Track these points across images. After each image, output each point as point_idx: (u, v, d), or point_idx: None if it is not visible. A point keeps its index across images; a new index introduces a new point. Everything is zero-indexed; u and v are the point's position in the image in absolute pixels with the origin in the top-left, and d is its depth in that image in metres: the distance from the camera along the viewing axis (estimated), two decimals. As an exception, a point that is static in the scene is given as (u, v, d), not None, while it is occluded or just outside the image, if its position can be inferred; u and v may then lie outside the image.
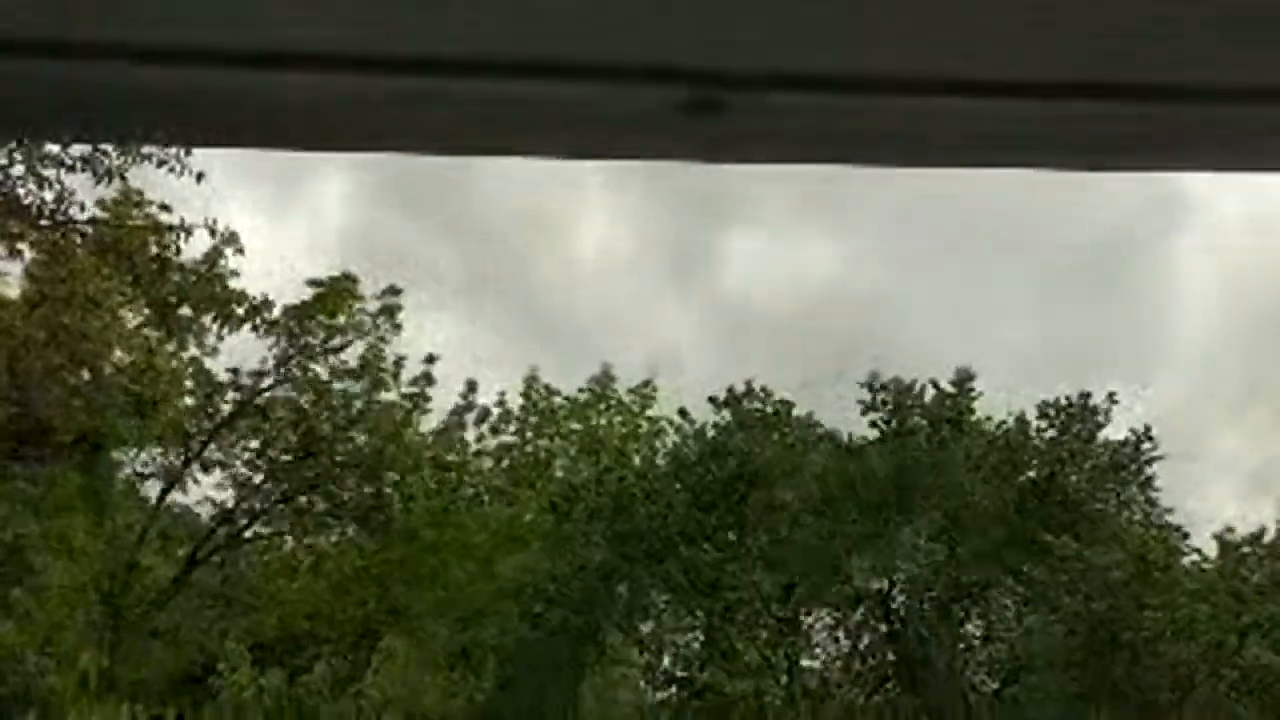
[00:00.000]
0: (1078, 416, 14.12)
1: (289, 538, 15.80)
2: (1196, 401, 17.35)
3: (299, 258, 17.56)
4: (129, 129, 0.91)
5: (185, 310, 13.09)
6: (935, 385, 14.30)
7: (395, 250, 16.44)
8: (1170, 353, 18.06)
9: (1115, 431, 14.10)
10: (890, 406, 14.22)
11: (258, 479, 14.54)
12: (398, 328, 14.36)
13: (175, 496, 14.62)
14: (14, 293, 12.12)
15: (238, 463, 14.44)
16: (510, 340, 18.64)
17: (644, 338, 18.86)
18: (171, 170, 10.33)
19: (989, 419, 14.26)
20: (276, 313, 13.59)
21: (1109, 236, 17.33)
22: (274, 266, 13.79)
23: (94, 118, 0.85)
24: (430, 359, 14.76)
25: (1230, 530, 13.73)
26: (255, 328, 13.43)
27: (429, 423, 15.17)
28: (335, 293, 13.99)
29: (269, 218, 17.50)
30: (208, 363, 13.89)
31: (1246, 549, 13.61)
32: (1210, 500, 18.65)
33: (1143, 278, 18.09)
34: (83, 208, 10.82)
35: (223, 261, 12.78)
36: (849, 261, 18.99)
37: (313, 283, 13.97)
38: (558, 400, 16.73)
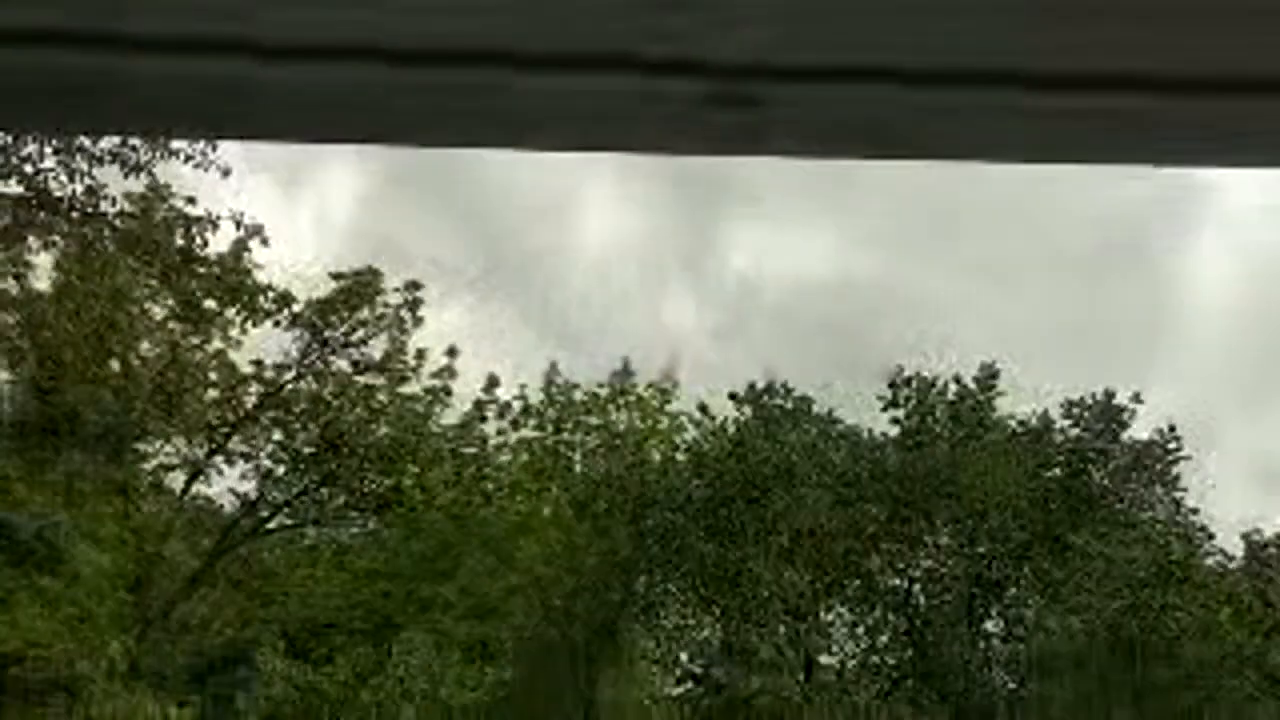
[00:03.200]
0: (1102, 415, 14.00)
1: (311, 530, 15.92)
2: (1214, 395, 17.13)
3: (307, 249, 17.63)
4: (133, 120, 0.92)
5: (210, 303, 13.19)
6: (958, 381, 14.22)
7: (395, 239, 16.45)
8: (1186, 345, 17.84)
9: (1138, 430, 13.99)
10: (913, 403, 14.15)
11: (280, 471, 14.66)
12: (420, 322, 14.44)
13: (199, 488, 14.78)
14: (44, 285, 12.27)
15: (261, 455, 14.57)
16: (517, 331, 18.62)
17: (650, 328, 18.78)
18: (199, 165, 10.43)
19: (1012, 417, 14.17)
20: (300, 306, 13.69)
21: (1122, 227, 17.11)
22: (283, 257, 13.75)
23: (98, 108, 0.85)
24: (452, 352, 14.83)
25: (1258, 531, 13.58)
26: (279, 321, 13.53)
27: (450, 417, 15.24)
28: (358, 287, 14.07)
29: (277, 209, 17.54)
30: (231, 355, 14.03)
31: (1273, 549, 13.45)
32: (1230, 496, 18.42)
33: (1157, 268, 17.87)
34: (113, 201, 10.94)
35: (247, 255, 12.88)
36: (860, 252, 18.86)
37: (336, 276, 14.07)
38: (578, 395, 16.75)
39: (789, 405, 14.58)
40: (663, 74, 0.79)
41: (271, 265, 13.14)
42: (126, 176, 10.48)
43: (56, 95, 0.82)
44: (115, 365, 12.84)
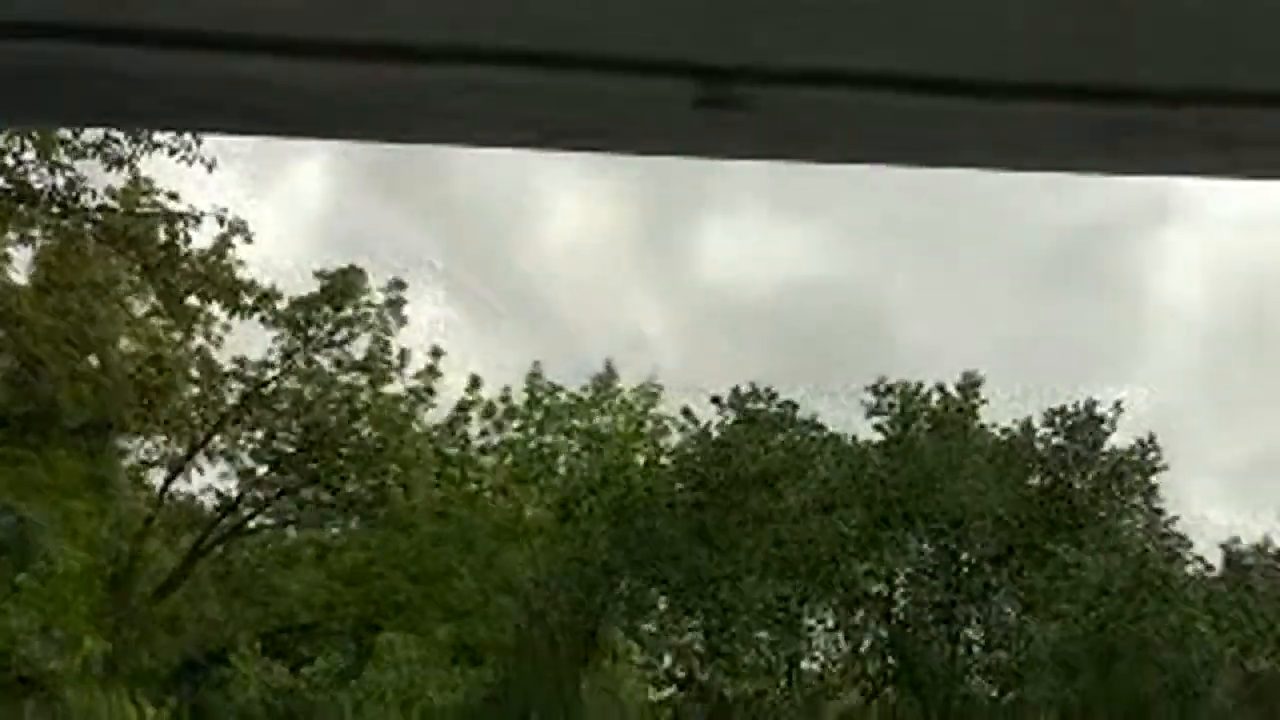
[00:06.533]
0: (1083, 424, 14.10)
1: (292, 529, 15.84)
2: (1193, 405, 17.24)
3: (283, 246, 17.49)
4: (108, 113, 0.91)
5: (192, 299, 13.09)
6: (941, 389, 14.30)
7: (375, 237, 16.35)
8: (1158, 351, 17.96)
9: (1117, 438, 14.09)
10: (896, 410, 14.21)
11: (261, 470, 14.57)
12: (403, 321, 14.39)
13: (179, 485, 14.68)
14: (23, 279, 12.16)
15: (242, 453, 14.48)
16: (500, 331, 18.55)
17: (633, 329, 18.74)
18: (183, 159, 10.34)
19: (994, 425, 14.26)
20: (283, 304, 13.61)
21: (1096, 232, 17.19)
22: (264, 255, 13.58)
23: (83, 101, 0.84)
24: (435, 353, 14.79)
25: (1236, 540, 13.70)
26: (263, 318, 13.45)
27: (433, 417, 15.19)
28: (341, 285, 14.00)
29: (252, 204, 17.32)
30: (213, 352, 13.94)
31: (1250, 559, 13.57)
32: (1209, 506, 18.55)
33: (1129, 274, 17.99)
34: (94, 195, 10.84)
35: (231, 250, 12.79)
36: (833, 255, 18.90)
37: (319, 274, 14.00)
38: (561, 397, 16.73)
39: (772, 410, 14.61)
40: (652, 76, 0.78)
41: (253, 262, 13.05)
42: (109, 170, 10.39)
43: (42, 88, 0.80)
44: (94, 360, 12.72)
